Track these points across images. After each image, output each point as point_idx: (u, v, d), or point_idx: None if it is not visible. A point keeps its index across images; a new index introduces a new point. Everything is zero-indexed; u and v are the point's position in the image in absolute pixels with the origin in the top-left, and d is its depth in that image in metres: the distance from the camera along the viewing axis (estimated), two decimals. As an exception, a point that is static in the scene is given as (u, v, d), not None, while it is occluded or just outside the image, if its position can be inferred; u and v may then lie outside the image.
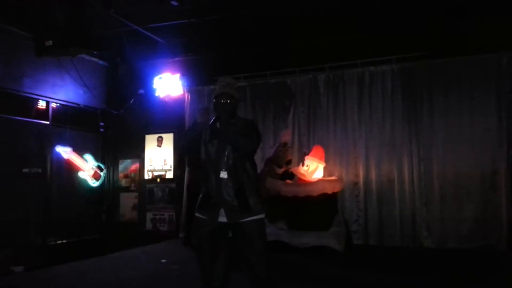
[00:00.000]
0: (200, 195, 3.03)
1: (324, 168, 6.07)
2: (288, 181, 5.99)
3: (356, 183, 6.64)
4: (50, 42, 5.51)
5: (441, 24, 6.15)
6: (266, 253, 2.91)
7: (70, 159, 7.23)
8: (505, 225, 5.80)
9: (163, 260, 5.45)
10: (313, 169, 5.87)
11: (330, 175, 6.42)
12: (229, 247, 2.98)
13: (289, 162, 6.24)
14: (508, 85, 5.95)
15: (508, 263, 5.07)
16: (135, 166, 8.18)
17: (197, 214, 3.05)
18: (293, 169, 6.07)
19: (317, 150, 6.08)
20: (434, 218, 6.19)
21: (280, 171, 6.01)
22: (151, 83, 7.73)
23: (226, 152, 2.92)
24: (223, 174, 2.90)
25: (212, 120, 3.09)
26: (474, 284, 4.16)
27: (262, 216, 2.95)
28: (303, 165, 5.96)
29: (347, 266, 5.01)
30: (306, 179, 5.86)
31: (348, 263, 5.18)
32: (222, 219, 2.90)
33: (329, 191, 5.80)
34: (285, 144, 6.20)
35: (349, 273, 4.70)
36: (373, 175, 6.55)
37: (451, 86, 6.28)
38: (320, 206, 5.69)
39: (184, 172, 7.63)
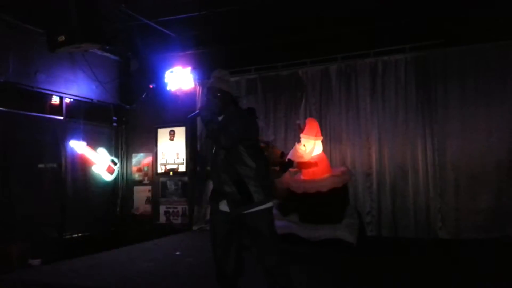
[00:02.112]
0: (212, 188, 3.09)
1: (335, 154, 5.90)
2: (292, 169, 5.76)
3: (369, 174, 6.59)
4: (63, 38, 5.54)
5: (455, 10, 6.02)
6: (273, 242, 2.91)
7: (84, 154, 7.31)
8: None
9: (178, 252, 5.50)
10: (310, 148, 5.72)
11: (341, 166, 6.37)
12: (238, 238, 3.00)
13: (282, 155, 5.96)
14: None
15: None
16: (148, 159, 8.24)
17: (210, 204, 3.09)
18: (290, 155, 5.78)
19: (311, 124, 5.86)
20: (449, 209, 6.12)
21: (277, 168, 5.63)
22: (162, 77, 7.74)
23: (214, 148, 2.97)
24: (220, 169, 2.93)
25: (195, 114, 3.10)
26: (490, 275, 4.11)
27: (266, 206, 2.92)
28: (299, 143, 5.78)
29: (360, 258, 4.98)
30: (306, 160, 5.72)
31: (361, 255, 5.15)
32: (224, 208, 2.93)
33: (339, 185, 5.75)
34: (267, 143, 5.75)
35: (362, 265, 4.68)
36: (386, 166, 6.49)
37: (466, 75, 6.17)
38: (331, 200, 5.64)
39: (197, 165, 7.67)
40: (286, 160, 5.65)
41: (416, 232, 6.21)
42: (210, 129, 2.91)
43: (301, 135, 5.83)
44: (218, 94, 3.00)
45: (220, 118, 2.97)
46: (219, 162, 2.94)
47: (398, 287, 3.75)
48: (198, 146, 7.67)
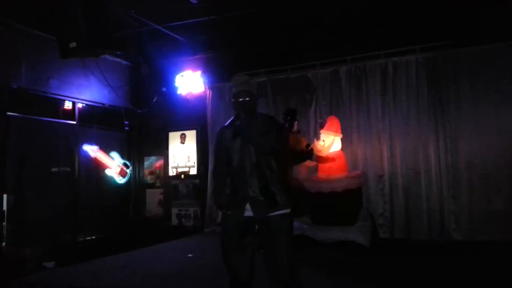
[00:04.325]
0: (215, 194, 3.11)
1: (347, 156, 5.89)
2: (309, 162, 5.71)
3: (381, 176, 6.55)
4: (74, 44, 5.62)
5: (465, 11, 5.98)
6: (290, 245, 2.92)
7: (97, 158, 7.40)
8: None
9: (190, 255, 5.53)
10: (329, 143, 5.77)
11: (354, 169, 6.35)
12: (254, 242, 3.01)
13: (307, 146, 5.97)
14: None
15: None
16: (159, 163, 8.30)
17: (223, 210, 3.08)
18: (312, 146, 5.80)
19: (332, 121, 5.94)
20: (463, 210, 6.05)
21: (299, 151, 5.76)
22: (173, 81, 7.82)
23: (250, 150, 2.95)
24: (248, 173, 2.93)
25: (231, 120, 3.12)
26: (504, 278, 4.05)
27: (288, 211, 2.96)
28: (318, 139, 5.87)
29: (373, 260, 4.96)
30: (323, 155, 5.75)
31: (374, 257, 5.12)
32: (248, 213, 2.93)
33: (354, 187, 5.73)
34: (298, 131, 5.79)
35: (375, 267, 4.66)
36: (398, 167, 6.45)
37: (477, 75, 6.11)
38: (345, 201, 5.62)
39: (208, 168, 7.71)
40: (310, 148, 5.62)
41: (430, 234, 6.15)
42: (252, 133, 2.94)
43: (321, 131, 5.93)
44: (248, 98, 3.06)
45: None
46: (247, 166, 2.94)
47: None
48: (211, 147, 7.69)
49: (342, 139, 6.09)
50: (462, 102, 6.18)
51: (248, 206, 2.92)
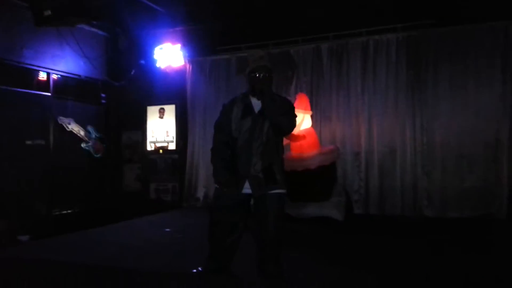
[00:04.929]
0: (217, 171, 3.01)
1: (325, 133, 5.91)
2: None
3: (358, 153, 6.65)
4: (49, 12, 5.42)
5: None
6: (280, 227, 2.94)
7: (73, 131, 7.24)
8: (506, 195, 5.83)
9: (167, 229, 5.54)
10: (299, 121, 5.72)
11: (330, 145, 6.41)
12: (244, 222, 3.03)
13: None
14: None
15: (508, 232, 5.11)
16: (137, 137, 8.19)
17: (217, 186, 3.07)
18: None
19: (301, 99, 5.90)
20: (435, 188, 6.23)
21: None
22: (151, 53, 7.62)
23: (263, 130, 2.90)
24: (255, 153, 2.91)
25: (242, 95, 3.05)
26: (473, 251, 4.21)
27: (285, 191, 2.99)
28: None
29: (347, 235, 5.08)
30: (294, 133, 5.78)
31: (348, 232, 5.25)
32: (246, 191, 2.93)
33: (327, 163, 5.79)
34: None
35: (349, 242, 4.78)
36: (375, 145, 6.55)
37: (457, 55, 6.18)
38: (319, 178, 5.68)
39: (187, 143, 7.66)
40: None
41: (403, 210, 6.32)
42: (275, 111, 2.85)
43: None
44: (267, 74, 2.97)
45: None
46: (254, 146, 2.90)
47: (383, 263, 3.83)
48: (191, 123, 7.63)
49: (319, 116, 6.11)
50: (440, 83, 6.26)
51: (247, 184, 2.93)
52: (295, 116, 3.01)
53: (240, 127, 2.95)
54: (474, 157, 6.05)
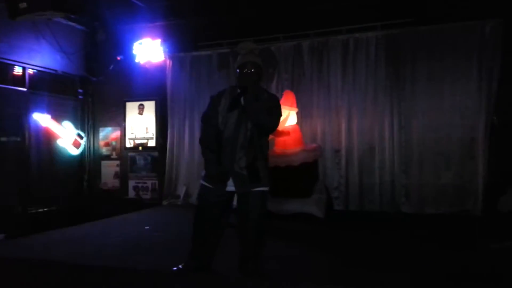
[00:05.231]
0: (208, 163, 3.01)
1: (306, 130, 5.97)
2: None
3: (338, 151, 6.71)
4: (25, 4, 5.29)
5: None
6: (261, 225, 2.95)
7: (49, 127, 7.08)
8: (481, 192, 5.97)
9: (147, 227, 5.48)
10: (284, 117, 5.78)
11: (312, 143, 6.45)
12: (227, 219, 3.02)
13: None
14: (490, 53, 5.98)
15: (482, 228, 5.24)
16: (116, 134, 8.07)
17: (203, 183, 3.04)
18: None
19: (287, 95, 5.96)
20: (413, 185, 6.34)
21: None
22: (130, 48, 7.52)
23: (247, 126, 2.87)
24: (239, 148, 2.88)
25: (230, 87, 3.03)
26: (450, 246, 4.31)
27: (267, 188, 2.99)
28: None
29: (327, 231, 5.13)
30: (279, 128, 5.80)
31: (328, 228, 5.30)
32: (230, 188, 2.91)
33: (310, 160, 5.84)
34: None
35: (329, 237, 4.83)
36: (355, 142, 6.62)
37: (435, 54, 6.29)
38: (301, 175, 5.72)
39: (167, 140, 7.59)
40: None
41: (381, 206, 6.42)
42: (256, 109, 2.81)
43: None
44: (253, 70, 2.92)
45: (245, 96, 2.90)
46: (239, 142, 2.86)
47: (361, 257, 3.88)
48: (171, 120, 7.56)
49: (301, 113, 6.15)
50: (418, 80, 6.37)
51: (230, 181, 2.91)
52: (279, 114, 3.00)
53: (226, 120, 2.92)
54: (451, 154, 6.18)
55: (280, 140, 5.88)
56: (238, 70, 2.98)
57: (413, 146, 6.38)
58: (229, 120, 2.90)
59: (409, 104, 6.40)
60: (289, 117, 5.86)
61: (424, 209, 6.22)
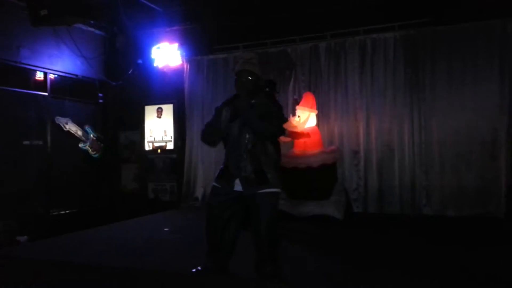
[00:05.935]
0: (221, 167, 3.09)
1: (324, 132, 5.98)
2: (284, 138, 5.60)
3: (356, 152, 6.65)
4: (46, 11, 5.40)
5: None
6: (273, 226, 2.94)
7: (70, 131, 7.22)
8: (503, 193, 5.84)
9: (166, 229, 5.53)
10: (304, 119, 5.80)
11: (331, 145, 6.42)
12: (240, 219, 3.03)
13: None
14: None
15: (506, 231, 5.12)
16: (135, 137, 8.17)
17: (214, 184, 3.09)
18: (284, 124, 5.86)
19: (307, 97, 5.98)
20: (434, 186, 6.23)
21: None
22: (149, 53, 7.61)
23: (247, 135, 2.91)
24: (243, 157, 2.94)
25: (233, 96, 3.06)
26: (474, 250, 4.22)
27: (277, 190, 2.98)
28: (294, 115, 5.89)
29: (346, 234, 5.08)
30: (299, 130, 5.78)
31: (347, 230, 5.25)
32: (238, 188, 2.94)
33: (329, 162, 5.81)
34: None
35: (348, 240, 4.78)
36: (373, 143, 6.55)
37: (454, 54, 6.18)
38: (320, 176, 5.70)
39: (185, 143, 7.65)
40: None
41: (401, 209, 6.32)
42: (251, 118, 2.88)
43: (297, 107, 5.96)
44: (249, 78, 2.95)
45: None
46: (242, 150, 2.92)
47: (382, 261, 3.83)
48: (189, 122, 7.62)
49: (319, 115, 6.14)
50: (438, 81, 6.27)
51: (237, 181, 2.95)
52: (280, 120, 3.00)
53: (228, 130, 2.98)
54: (472, 156, 6.05)
55: (300, 142, 5.89)
56: (235, 78, 3.05)
57: (433, 147, 6.27)
58: (232, 130, 2.97)
59: (429, 104, 6.30)
60: (309, 119, 5.86)
61: (445, 211, 6.10)
